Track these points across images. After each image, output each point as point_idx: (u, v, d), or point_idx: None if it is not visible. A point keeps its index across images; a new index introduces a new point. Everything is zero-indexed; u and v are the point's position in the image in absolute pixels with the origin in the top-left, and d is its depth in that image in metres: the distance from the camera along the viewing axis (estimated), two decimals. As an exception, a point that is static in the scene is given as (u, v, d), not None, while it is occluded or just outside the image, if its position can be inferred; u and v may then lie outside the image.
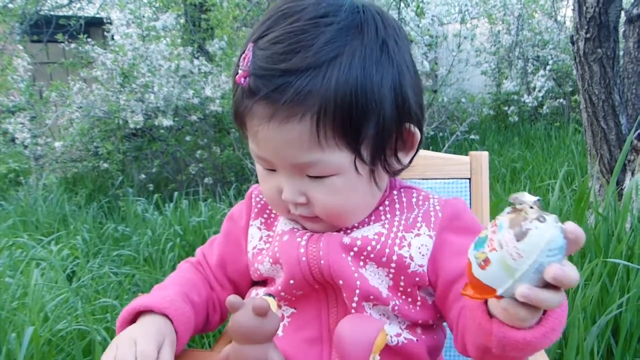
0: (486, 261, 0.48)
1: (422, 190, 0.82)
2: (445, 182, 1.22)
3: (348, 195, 0.70)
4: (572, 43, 2.89)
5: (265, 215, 0.84)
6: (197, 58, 4.48)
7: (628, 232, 1.49)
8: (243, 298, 0.88)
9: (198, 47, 4.98)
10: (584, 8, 2.71)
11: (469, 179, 1.17)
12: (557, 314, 0.54)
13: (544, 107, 5.67)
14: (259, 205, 0.84)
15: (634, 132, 2.73)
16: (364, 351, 0.60)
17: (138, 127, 4.05)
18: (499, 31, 6.06)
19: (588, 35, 2.77)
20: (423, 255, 0.74)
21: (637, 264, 1.16)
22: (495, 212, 1.78)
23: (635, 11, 2.98)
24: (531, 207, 0.47)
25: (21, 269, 2.11)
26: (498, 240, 0.47)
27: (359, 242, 0.73)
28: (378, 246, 0.73)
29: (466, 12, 5.96)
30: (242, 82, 0.66)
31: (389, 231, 0.74)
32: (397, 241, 0.74)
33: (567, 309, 0.57)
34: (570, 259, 1.31)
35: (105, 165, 4.41)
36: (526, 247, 0.46)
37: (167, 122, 3.92)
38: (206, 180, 4.48)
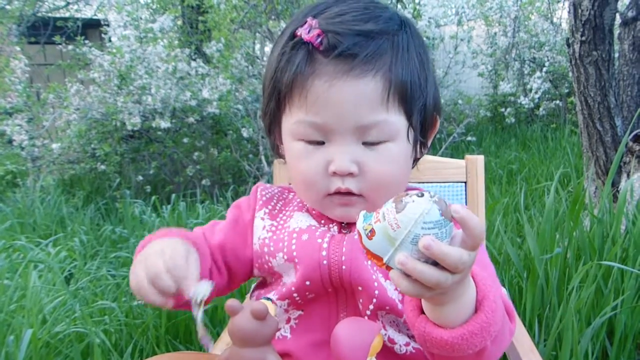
0: (372, 232, 0.53)
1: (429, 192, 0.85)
2: (441, 186, 1.23)
3: (398, 164, 0.74)
4: (568, 46, 2.91)
5: (270, 207, 0.85)
6: (195, 60, 4.48)
7: (623, 235, 1.51)
8: (235, 285, 0.89)
9: (195, 49, 4.99)
10: (579, 11, 2.73)
11: (465, 182, 1.19)
12: (480, 319, 0.56)
13: (541, 109, 5.70)
14: (264, 198, 0.86)
15: (629, 134, 2.75)
16: (360, 354, 0.61)
17: (135, 129, 4.05)
18: (495, 33, 6.08)
19: (583, 38, 2.79)
20: None
21: (632, 267, 1.17)
22: (491, 214, 1.79)
23: (630, 14, 3.00)
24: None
25: (19, 271, 2.12)
26: (382, 212, 0.53)
27: None
28: None
29: (463, 14, 5.98)
30: (315, 40, 0.69)
31: None
32: None
33: (499, 318, 0.58)
34: (565, 262, 1.32)
35: (103, 167, 4.41)
36: (403, 218, 0.51)
37: (164, 124, 3.92)
38: (203, 182, 4.48)
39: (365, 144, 0.72)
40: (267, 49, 6.74)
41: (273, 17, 5.38)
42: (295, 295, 0.77)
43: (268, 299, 0.71)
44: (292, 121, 0.74)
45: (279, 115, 0.78)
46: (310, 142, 0.73)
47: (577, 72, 2.89)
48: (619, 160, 2.70)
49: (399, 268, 0.51)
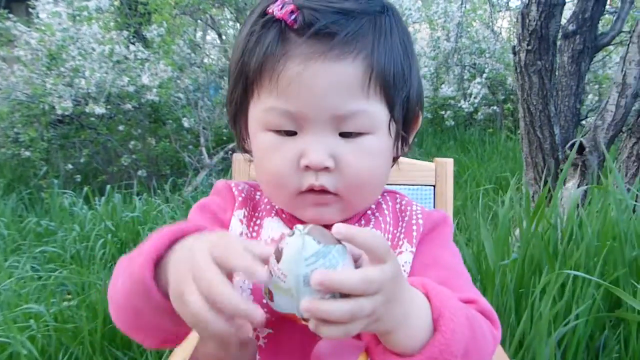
0: (270, 293, 0.50)
1: (404, 196, 0.79)
2: (409, 189, 1.19)
3: (379, 159, 0.67)
4: (514, 54, 2.99)
5: (248, 208, 0.75)
6: (133, 44, 4.24)
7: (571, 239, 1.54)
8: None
9: (134, 32, 4.73)
10: (527, 20, 2.80)
11: (434, 185, 1.16)
12: (438, 341, 0.52)
13: (479, 113, 5.88)
14: (242, 194, 0.75)
15: (567, 143, 2.86)
16: None
17: (66, 113, 3.77)
18: (438, 37, 6.21)
19: (529, 47, 2.87)
20: (405, 272, 0.69)
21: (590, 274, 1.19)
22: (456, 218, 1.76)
23: (570, 27, 3.13)
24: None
25: None
26: (268, 270, 0.49)
27: None
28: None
29: (408, 17, 6.06)
30: (288, 18, 0.61)
31: None
32: None
33: (463, 334, 0.54)
34: (522, 270, 1.33)
35: (27, 153, 4.07)
36: (285, 265, 0.47)
37: (99, 109, 3.68)
38: (139, 172, 4.26)
39: (342, 135, 0.64)
40: (209, 37, 6.52)
41: (217, 4, 5.20)
42: (265, 311, 0.69)
43: None
44: (260, 109, 0.65)
45: (246, 103, 0.68)
46: (281, 133, 0.65)
47: (521, 80, 2.97)
48: (568, 166, 2.81)
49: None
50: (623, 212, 1.30)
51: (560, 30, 3.00)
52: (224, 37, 6.09)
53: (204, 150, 4.32)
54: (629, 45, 2.65)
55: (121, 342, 1.50)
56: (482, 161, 4.60)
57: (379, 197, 0.76)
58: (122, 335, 1.52)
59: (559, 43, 3.21)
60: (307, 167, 0.64)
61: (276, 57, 0.62)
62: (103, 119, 4.26)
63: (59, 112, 3.70)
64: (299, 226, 0.49)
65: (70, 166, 4.29)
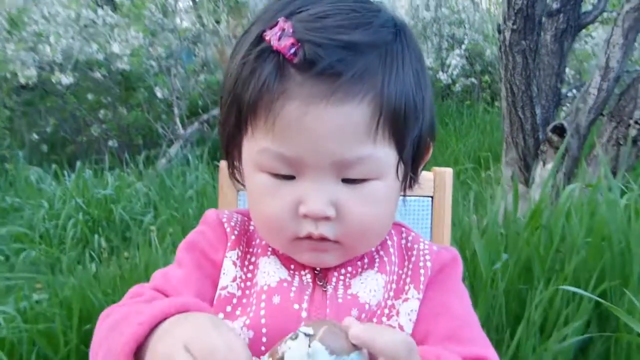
0: None
1: (410, 230, 0.74)
2: (406, 200, 1.13)
3: (385, 206, 0.62)
4: (499, 32, 2.93)
5: (241, 247, 0.68)
6: (101, 7, 4.01)
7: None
8: None
9: (103, -6, 4.47)
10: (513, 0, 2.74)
11: (432, 196, 1.11)
12: None
13: (457, 85, 5.85)
14: (235, 232, 0.69)
15: (548, 125, 2.85)
16: None
17: (31, 81, 3.57)
18: (418, 6, 6.09)
19: (514, 27, 2.82)
20: (411, 320, 0.65)
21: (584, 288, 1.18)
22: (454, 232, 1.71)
23: (554, 5, 3.08)
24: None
25: None
26: None
27: (354, 312, 0.62)
28: (369, 316, 0.63)
29: (388, -17, 5.90)
30: (288, 52, 0.54)
31: (382, 297, 0.65)
32: (386, 311, 0.65)
33: None
34: (514, 270, 1.31)
35: (-11, 121, 3.88)
36: None
37: (66, 79, 3.49)
38: (110, 143, 4.11)
39: (345, 180, 0.58)
40: (181, 4, 6.23)
41: (190, -36, 4.95)
42: None
43: None
44: (255, 149, 0.59)
45: (239, 137, 0.62)
46: (277, 176, 0.59)
47: (505, 60, 2.93)
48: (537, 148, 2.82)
49: None
50: (614, 210, 1.30)
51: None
52: (197, 0, 5.83)
53: (177, 120, 4.19)
54: (613, 28, 2.62)
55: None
56: (460, 135, 4.60)
57: None
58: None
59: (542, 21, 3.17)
60: (305, 216, 0.58)
61: (273, 94, 0.55)
62: (69, 87, 4.06)
63: (23, 80, 3.49)
64: (305, 329, 0.46)
65: (35, 136, 4.10)
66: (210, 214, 0.73)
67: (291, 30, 0.54)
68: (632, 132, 2.42)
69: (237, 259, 0.67)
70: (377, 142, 0.57)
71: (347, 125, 0.55)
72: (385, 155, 0.58)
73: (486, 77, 5.93)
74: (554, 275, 1.26)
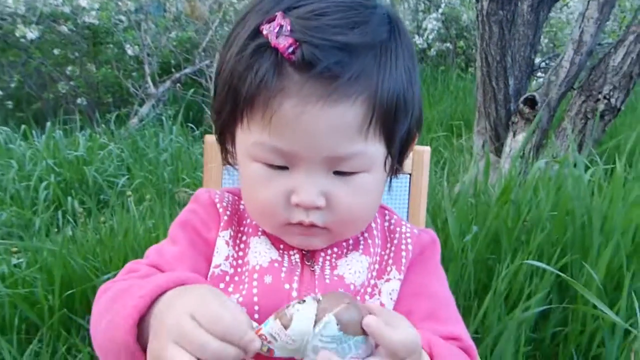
0: (270, 351, 0.50)
1: (393, 213, 0.78)
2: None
3: (372, 196, 0.65)
4: (477, 1, 2.94)
5: (233, 227, 0.71)
6: (68, -44, 3.81)
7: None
8: None
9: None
10: (493, -32, 2.74)
11: (410, 174, 1.15)
12: None
13: (432, 50, 5.85)
14: (227, 212, 0.71)
15: (520, 96, 2.91)
16: None
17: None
18: (396, -35, 5.99)
19: (493, -4, 2.83)
20: (392, 299, 0.70)
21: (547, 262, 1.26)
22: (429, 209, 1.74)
23: (533, -25, 3.09)
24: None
25: None
26: (268, 333, 0.49)
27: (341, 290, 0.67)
28: (354, 294, 0.67)
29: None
30: (286, 52, 0.55)
31: (366, 277, 0.69)
32: (369, 289, 0.69)
33: None
34: (484, 241, 1.38)
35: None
36: (295, 333, 0.48)
37: (31, 34, 3.34)
38: (79, 101, 3.99)
39: (336, 172, 0.61)
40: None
41: None
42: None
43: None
44: (250, 140, 0.61)
45: (234, 126, 0.64)
46: (271, 166, 0.61)
47: (482, 29, 2.95)
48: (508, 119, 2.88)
49: None
50: (578, 186, 1.37)
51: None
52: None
53: (149, 79, 4.09)
54: (589, 2, 2.65)
55: (81, 308, 1.46)
56: (433, 101, 4.64)
57: None
58: (82, 301, 1.48)
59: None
60: (297, 205, 0.61)
61: (271, 92, 0.56)
62: (33, 41, 3.89)
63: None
64: (314, 295, 0.49)
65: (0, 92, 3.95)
66: (202, 193, 0.75)
67: (289, 28, 0.56)
68: (600, 106, 2.51)
69: (230, 238, 0.70)
70: (368, 139, 0.59)
71: (341, 125, 0.58)
72: (375, 150, 0.61)
73: (461, 43, 5.94)
74: (520, 247, 1.33)
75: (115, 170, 2.81)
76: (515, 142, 2.92)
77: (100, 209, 2.58)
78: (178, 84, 4.30)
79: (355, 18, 0.58)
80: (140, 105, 4.04)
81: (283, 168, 0.61)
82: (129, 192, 2.34)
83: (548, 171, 1.71)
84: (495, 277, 1.24)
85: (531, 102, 2.84)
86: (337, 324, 0.47)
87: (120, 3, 3.82)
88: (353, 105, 0.57)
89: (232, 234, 0.70)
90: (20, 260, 1.72)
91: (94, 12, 3.59)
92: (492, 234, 1.45)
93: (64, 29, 3.67)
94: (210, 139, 1.09)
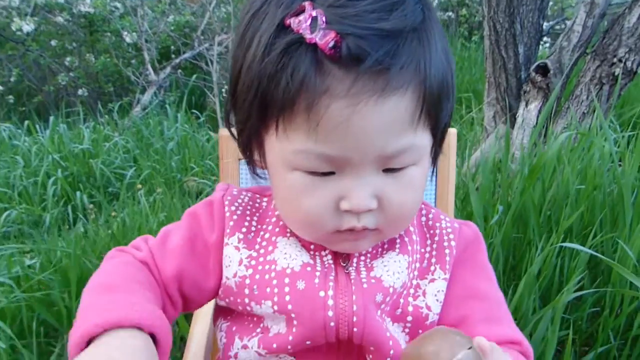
0: None
1: (430, 207, 0.74)
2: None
3: (420, 189, 0.62)
4: (483, -33, 2.83)
5: (245, 229, 0.67)
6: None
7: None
8: (190, 311, 0.73)
9: None
10: None
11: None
12: None
13: (434, 19, 5.71)
14: (234, 217, 0.67)
15: (531, 64, 2.83)
16: None
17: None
18: None
19: (499, -39, 2.73)
20: (439, 301, 0.66)
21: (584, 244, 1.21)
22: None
23: (539, -64, 2.98)
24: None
25: None
26: None
27: (379, 297, 0.63)
28: (394, 297, 0.64)
29: None
30: (329, 47, 0.49)
31: (407, 277, 0.65)
32: (412, 291, 0.66)
33: None
34: (509, 224, 1.33)
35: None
36: None
37: (27, 26, 3.27)
38: (80, 92, 3.94)
39: (385, 170, 0.57)
40: None
41: None
42: (289, 347, 0.64)
43: None
44: (289, 149, 0.55)
45: (264, 134, 0.58)
46: (314, 173, 0.56)
47: (489, -4, 2.85)
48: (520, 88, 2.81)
49: None
50: (607, 160, 1.31)
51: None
52: None
53: (149, 66, 4.01)
54: (600, -39, 2.55)
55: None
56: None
57: None
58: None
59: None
60: (348, 211, 0.57)
61: (315, 94, 0.50)
62: (29, 33, 3.82)
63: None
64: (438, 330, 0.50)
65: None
66: (219, 188, 0.71)
67: (324, 19, 0.50)
68: (616, 70, 2.43)
69: (239, 242, 0.66)
70: (417, 130, 0.56)
71: (393, 120, 0.53)
72: (424, 141, 0.58)
73: (464, 11, 5.80)
74: (548, 226, 1.28)
75: (122, 162, 2.77)
76: (527, 111, 2.85)
77: (109, 202, 2.55)
78: (179, 70, 4.23)
79: (390, 0, 0.52)
80: (142, 93, 3.98)
81: (329, 174, 0.56)
82: (139, 185, 2.30)
83: (569, 142, 1.65)
84: (528, 261, 1.20)
85: (543, 70, 2.77)
86: None
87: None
88: (404, 95, 0.52)
89: (242, 236, 0.67)
90: (34, 260, 1.69)
91: (88, 1, 3.50)
92: (519, 212, 1.40)
93: (59, 19, 3.59)
94: (225, 132, 1.04)
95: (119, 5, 3.94)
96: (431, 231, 0.70)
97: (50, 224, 2.33)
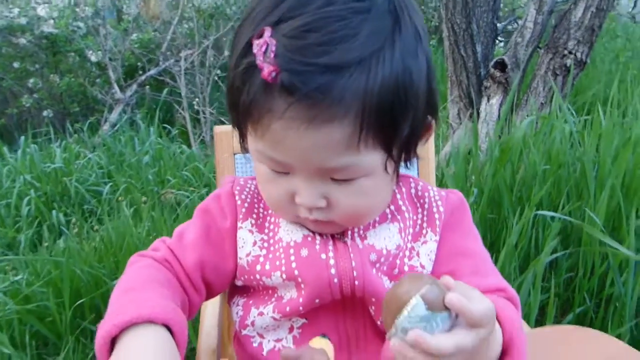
0: None
1: (418, 180, 0.80)
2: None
3: (373, 196, 0.65)
4: (438, -29, 2.97)
5: (255, 216, 0.74)
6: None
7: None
8: (212, 297, 0.79)
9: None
10: (452, -63, 2.77)
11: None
12: None
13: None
14: (245, 204, 0.74)
15: (492, 61, 2.97)
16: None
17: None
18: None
19: (453, -35, 2.87)
20: (431, 260, 0.73)
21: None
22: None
23: (487, -59, 3.14)
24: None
25: None
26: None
27: (373, 256, 0.69)
28: (390, 258, 0.71)
29: None
30: (269, 77, 0.55)
31: (402, 240, 0.72)
32: (407, 253, 0.72)
33: (525, 351, 0.60)
34: (485, 206, 1.42)
35: None
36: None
37: (-11, 48, 3.22)
38: (45, 113, 3.88)
39: (333, 179, 0.62)
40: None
41: None
42: (301, 309, 0.70)
43: (324, 336, 0.63)
44: (252, 145, 0.63)
45: (245, 127, 0.65)
46: (273, 170, 0.64)
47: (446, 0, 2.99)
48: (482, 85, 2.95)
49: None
50: (568, 141, 1.42)
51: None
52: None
53: (114, 84, 4.00)
54: (545, -39, 2.71)
55: (89, 315, 1.44)
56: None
57: None
58: (89, 307, 1.45)
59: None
60: (300, 204, 0.64)
61: (261, 111, 0.57)
62: (-9, 56, 3.77)
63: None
64: (412, 276, 0.53)
65: (-40, 112, 3.81)
66: (227, 180, 0.78)
67: (273, 50, 0.55)
68: (567, 61, 2.58)
69: (252, 226, 0.73)
70: (361, 151, 0.58)
71: (327, 144, 0.57)
72: (370, 159, 0.60)
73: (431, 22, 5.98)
74: (521, 203, 1.38)
75: (96, 178, 2.76)
76: (490, 106, 2.99)
77: (86, 220, 2.53)
78: (147, 86, 4.23)
79: (343, 31, 0.55)
80: (109, 111, 3.96)
81: (285, 173, 0.63)
82: (120, 197, 2.30)
83: (532, 127, 1.77)
84: (505, 235, 1.29)
85: (501, 66, 2.91)
86: (424, 304, 0.50)
87: (77, 9, 3.71)
88: (340, 124, 0.56)
89: (253, 222, 0.73)
90: (19, 277, 1.69)
91: (51, 21, 3.48)
92: (492, 194, 1.49)
93: (22, 41, 3.54)
94: (219, 130, 1.09)
95: (81, 24, 3.92)
96: (421, 200, 0.77)
97: (25, 244, 2.31)
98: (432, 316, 0.50)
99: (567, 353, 0.77)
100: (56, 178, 2.78)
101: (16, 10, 3.41)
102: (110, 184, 2.72)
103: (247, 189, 0.76)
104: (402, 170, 0.71)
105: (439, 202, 0.76)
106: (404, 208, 0.75)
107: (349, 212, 0.65)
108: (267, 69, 0.54)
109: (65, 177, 2.75)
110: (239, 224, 0.73)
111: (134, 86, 4.14)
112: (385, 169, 0.63)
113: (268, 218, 0.74)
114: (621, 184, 1.42)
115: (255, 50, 0.56)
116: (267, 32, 0.56)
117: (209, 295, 0.75)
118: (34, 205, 2.57)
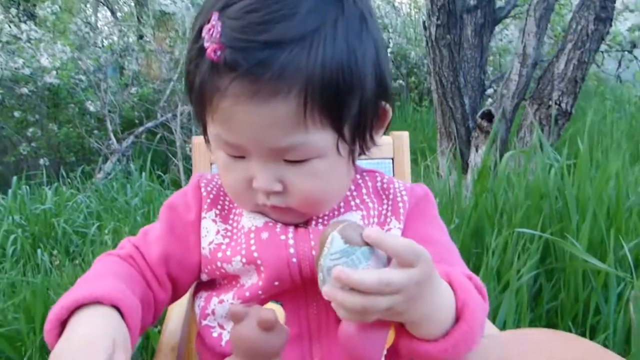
0: None
1: (384, 174, 0.80)
2: (369, 163, 1.21)
3: (328, 179, 0.66)
4: (425, 28, 3.12)
5: (219, 207, 0.74)
6: (25, 22, 3.85)
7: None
8: (180, 296, 0.77)
9: (23, 10, 4.29)
10: (436, -4, 2.93)
11: (392, 158, 1.19)
12: (462, 329, 0.57)
13: (387, 87, 6.06)
14: (211, 196, 0.75)
15: (477, 112, 3.05)
16: (378, 347, 0.57)
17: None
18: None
19: (439, 22, 3.01)
20: None
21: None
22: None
23: (472, 2, 3.32)
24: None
25: None
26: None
27: None
28: None
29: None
30: (214, 56, 0.57)
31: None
32: None
33: (481, 320, 0.59)
34: (467, 233, 1.42)
35: None
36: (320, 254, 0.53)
37: (-9, 96, 3.32)
38: (41, 161, 3.93)
39: (287, 161, 0.63)
40: (101, 15, 6.08)
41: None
42: (260, 293, 0.69)
43: (277, 302, 0.62)
44: (210, 132, 0.65)
45: (203, 114, 0.67)
46: (231, 155, 0.65)
47: (433, 54, 3.11)
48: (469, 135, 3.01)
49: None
50: (547, 172, 1.44)
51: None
52: (119, 15, 5.71)
53: (111, 135, 4.08)
54: (527, 18, 2.85)
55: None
56: (394, 133, 4.77)
57: (357, 176, 0.76)
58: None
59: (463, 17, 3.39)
60: (257, 189, 0.65)
61: (210, 91, 0.60)
62: (-7, 106, 3.87)
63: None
64: (334, 221, 0.54)
65: (-43, 159, 3.86)
66: (194, 176, 0.79)
67: (219, 29, 0.57)
68: (553, 112, 2.65)
69: (216, 216, 0.73)
70: (309, 128, 0.60)
71: (274, 121, 0.59)
72: (320, 138, 0.61)
73: (413, 78, 6.20)
74: (502, 229, 1.38)
75: (85, 219, 2.75)
76: (478, 156, 3.03)
77: (71, 260, 2.50)
78: (143, 138, 4.30)
79: (283, 11, 0.58)
80: (104, 161, 4.01)
81: (241, 157, 0.65)
82: (106, 231, 2.28)
83: (516, 165, 1.79)
84: (485, 252, 1.27)
85: (488, 116, 2.98)
86: (342, 239, 0.51)
87: (80, 62, 3.85)
88: (285, 99, 0.57)
89: (218, 212, 0.74)
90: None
91: (54, 72, 3.60)
92: (473, 226, 1.49)
93: (24, 90, 3.65)
94: (198, 140, 1.11)
95: (83, 78, 4.05)
96: (386, 192, 0.77)
97: (7, 283, 2.26)
98: (351, 250, 0.51)
99: (538, 355, 0.74)
100: (45, 219, 2.77)
101: (20, 61, 3.54)
102: (98, 224, 2.70)
103: (214, 183, 0.77)
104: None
105: (404, 192, 0.76)
106: (367, 200, 0.75)
107: (305, 196, 0.65)
108: (211, 48, 0.57)
109: (54, 218, 2.74)
110: (203, 214, 0.73)
111: (131, 138, 4.22)
112: (338, 150, 0.64)
113: (233, 210, 0.74)
114: (606, 216, 1.43)
115: (204, 34, 0.59)
116: (215, 16, 0.59)
117: (175, 292, 0.74)
118: (20, 244, 2.54)
